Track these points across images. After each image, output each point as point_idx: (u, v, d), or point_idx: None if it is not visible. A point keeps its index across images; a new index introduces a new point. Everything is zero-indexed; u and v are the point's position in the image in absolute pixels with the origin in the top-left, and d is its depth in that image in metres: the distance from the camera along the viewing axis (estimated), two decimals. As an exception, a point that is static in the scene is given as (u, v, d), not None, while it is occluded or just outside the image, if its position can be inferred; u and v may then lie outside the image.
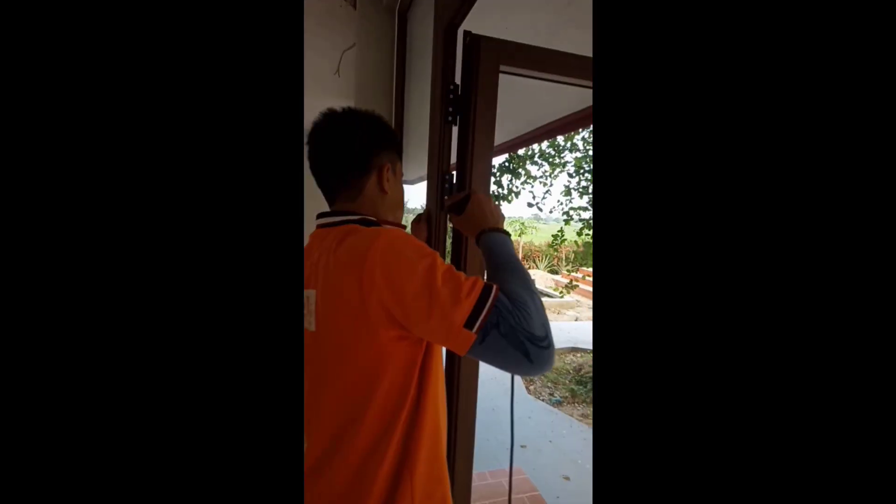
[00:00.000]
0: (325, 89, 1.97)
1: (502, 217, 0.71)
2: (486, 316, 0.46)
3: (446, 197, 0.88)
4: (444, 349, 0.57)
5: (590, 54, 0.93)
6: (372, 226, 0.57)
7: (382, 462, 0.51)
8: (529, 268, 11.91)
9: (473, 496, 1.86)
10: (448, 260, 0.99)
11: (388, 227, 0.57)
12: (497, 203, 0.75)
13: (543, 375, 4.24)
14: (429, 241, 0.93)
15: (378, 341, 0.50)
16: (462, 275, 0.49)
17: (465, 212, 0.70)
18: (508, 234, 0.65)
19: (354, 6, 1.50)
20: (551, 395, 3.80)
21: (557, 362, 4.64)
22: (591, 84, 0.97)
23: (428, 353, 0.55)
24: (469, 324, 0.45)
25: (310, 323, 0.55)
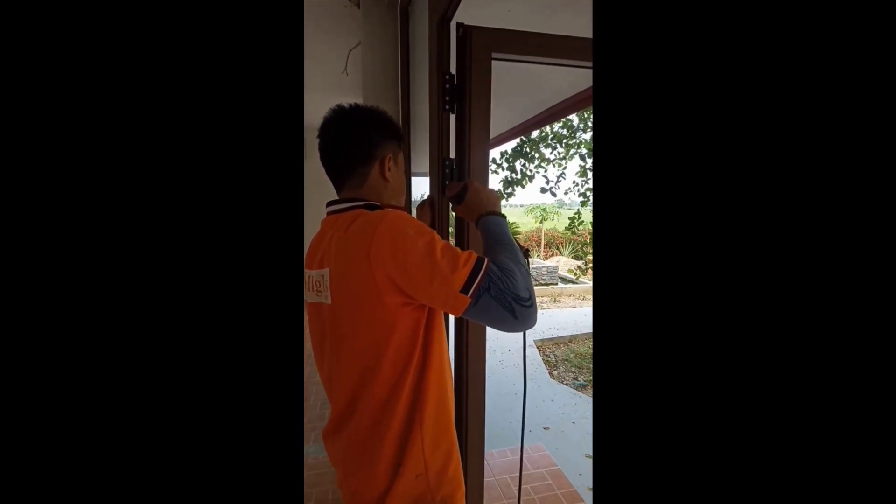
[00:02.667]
0: (335, 87, 2.04)
1: (498, 201, 0.78)
2: (479, 282, 0.54)
3: (447, 182, 0.93)
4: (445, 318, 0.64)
5: (587, 35, 0.95)
6: (377, 209, 0.64)
7: (395, 413, 0.59)
8: (553, 254, 11.81)
9: (495, 470, 1.94)
10: (453, 242, 1.06)
11: (392, 209, 0.64)
12: (498, 191, 0.81)
13: (567, 360, 4.26)
14: (433, 224, 0.99)
15: (385, 307, 0.57)
16: (458, 249, 0.57)
17: (464, 201, 0.78)
18: (503, 217, 0.73)
19: (359, 6, 1.55)
20: (575, 378, 3.82)
21: (581, 347, 4.64)
22: (589, 65, 0.99)
23: (430, 318, 0.62)
24: (465, 289, 0.54)
25: (326, 297, 0.63)
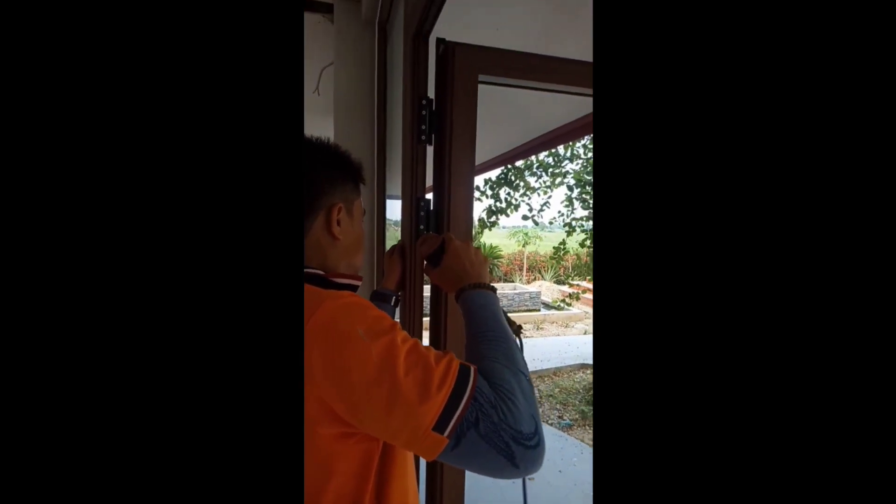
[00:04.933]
0: (307, 109, 1.88)
1: (485, 267, 0.60)
2: (462, 413, 0.36)
3: (421, 230, 0.76)
4: None
5: (583, 58, 0.82)
6: (315, 283, 0.45)
7: None
8: (535, 279, 11.74)
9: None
10: (426, 314, 0.84)
11: (334, 292, 0.43)
12: (478, 248, 0.63)
13: (551, 396, 4.05)
14: (403, 278, 0.81)
15: (316, 442, 0.39)
16: (431, 354, 0.39)
17: (441, 264, 0.59)
18: (493, 290, 0.55)
19: (332, 21, 1.41)
20: (560, 417, 3.60)
21: (566, 381, 4.44)
22: (586, 92, 0.85)
23: (387, 455, 0.43)
24: (440, 425, 0.35)
25: None
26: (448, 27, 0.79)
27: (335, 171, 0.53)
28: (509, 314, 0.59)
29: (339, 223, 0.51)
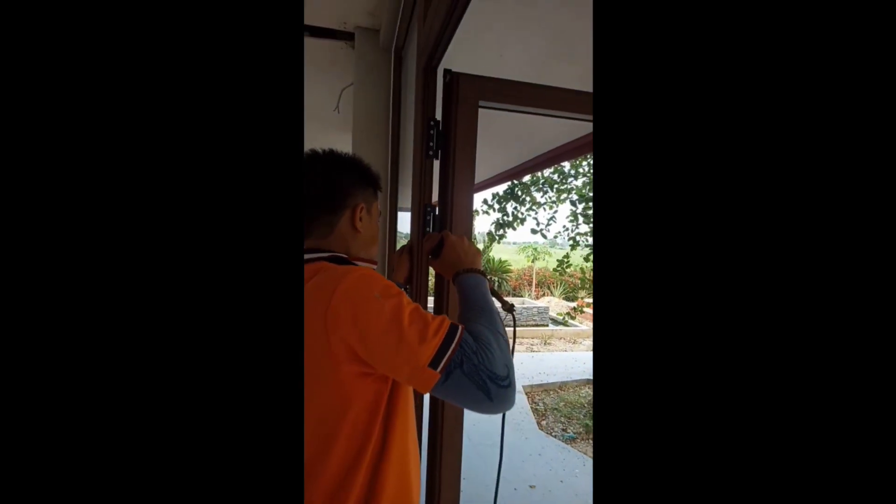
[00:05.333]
0: (327, 124, 2.04)
1: (477, 256, 0.72)
2: (450, 356, 0.47)
3: (427, 231, 0.88)
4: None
5: (577, 87, 0.94)
6: (343, 263, 0.58)
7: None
8: (544, 294, 11.72)
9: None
10: (431, 296, 0.98)
11: (358, 265, 0.58)
12: (473, 242, 0.76)
13: (556, 409, 4.07)
14: (410, 274, 0.92)
15: (340, 377, 0.50)
16: (429, 315, 0.51)
17: (440, 256, 0.72)
18: (483, 274, 0.67)
19: (353, 48, 1.57)
20: (564, 430, 3.62)
21: (571, 395, 4.45)
22: (574, 116, 0.97)
23: (395, 391, 0.54)
24: (434, 363, 0.47)
25: None
26: (454, 55, 0.92)
27: (359, 178, 0.66)
28: (512, 305, 0.70)
29: (360, 219, 0.64)
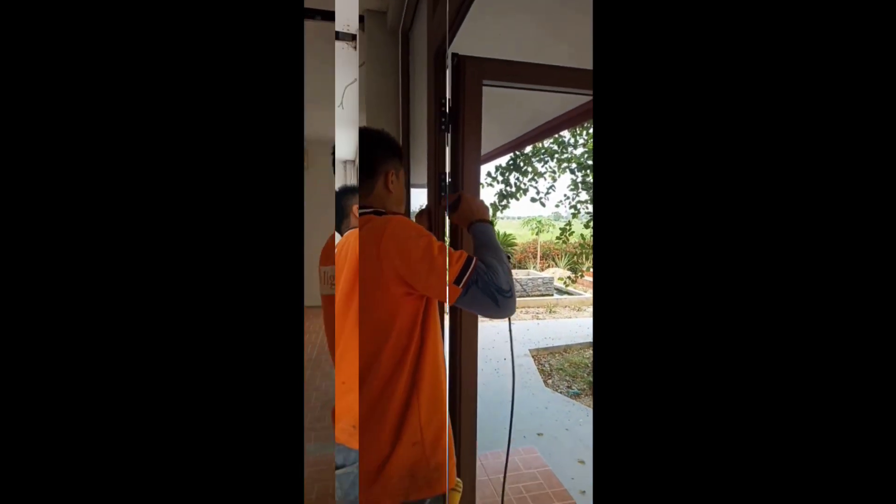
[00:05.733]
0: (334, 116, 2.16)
1: (487, 210, 0.90)
2: (469, 276, 0.67)
3: (444, 194, 1.04)
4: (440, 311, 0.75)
5: (574, 57, 1.07)
6: (383, 215, 0.76)
7: (396, 388, 0.70)
8: (549, 266, 11.94)
9: (489, 470, 2.00)
10: (448, 244, 1.17)
11: (395, 215, 0.75)
12: (492, 203, 0.95)
13: (561, 369, 4.33)
14: (429, 230, 1.10)
15: (390, 296, 0.69)
16: (452, 248, 0.69)
17: (458, 210, 0.91)
18: (491, 224, 0.86)
19: (355, 48, 1.68)
20: (569, 387, 3.88)
21: (576, 357, 4.72)
22: (569, 90, 1.11)
23: (428, 309, 0.73)
24: (457, 281, 0.66)
25: (331, 289, 0.75)
26: (462, 37, 1.05)
27: (389, 149, 0.83)
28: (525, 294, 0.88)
29: (392, 182, 0.81)
